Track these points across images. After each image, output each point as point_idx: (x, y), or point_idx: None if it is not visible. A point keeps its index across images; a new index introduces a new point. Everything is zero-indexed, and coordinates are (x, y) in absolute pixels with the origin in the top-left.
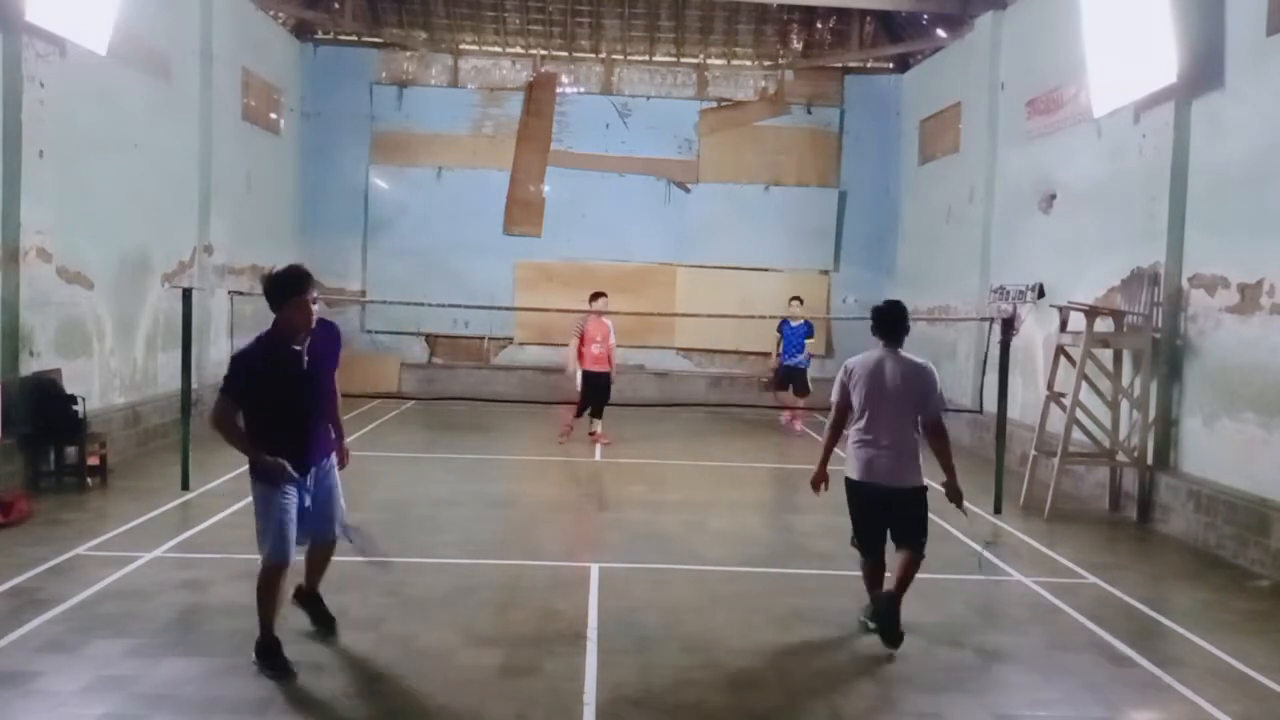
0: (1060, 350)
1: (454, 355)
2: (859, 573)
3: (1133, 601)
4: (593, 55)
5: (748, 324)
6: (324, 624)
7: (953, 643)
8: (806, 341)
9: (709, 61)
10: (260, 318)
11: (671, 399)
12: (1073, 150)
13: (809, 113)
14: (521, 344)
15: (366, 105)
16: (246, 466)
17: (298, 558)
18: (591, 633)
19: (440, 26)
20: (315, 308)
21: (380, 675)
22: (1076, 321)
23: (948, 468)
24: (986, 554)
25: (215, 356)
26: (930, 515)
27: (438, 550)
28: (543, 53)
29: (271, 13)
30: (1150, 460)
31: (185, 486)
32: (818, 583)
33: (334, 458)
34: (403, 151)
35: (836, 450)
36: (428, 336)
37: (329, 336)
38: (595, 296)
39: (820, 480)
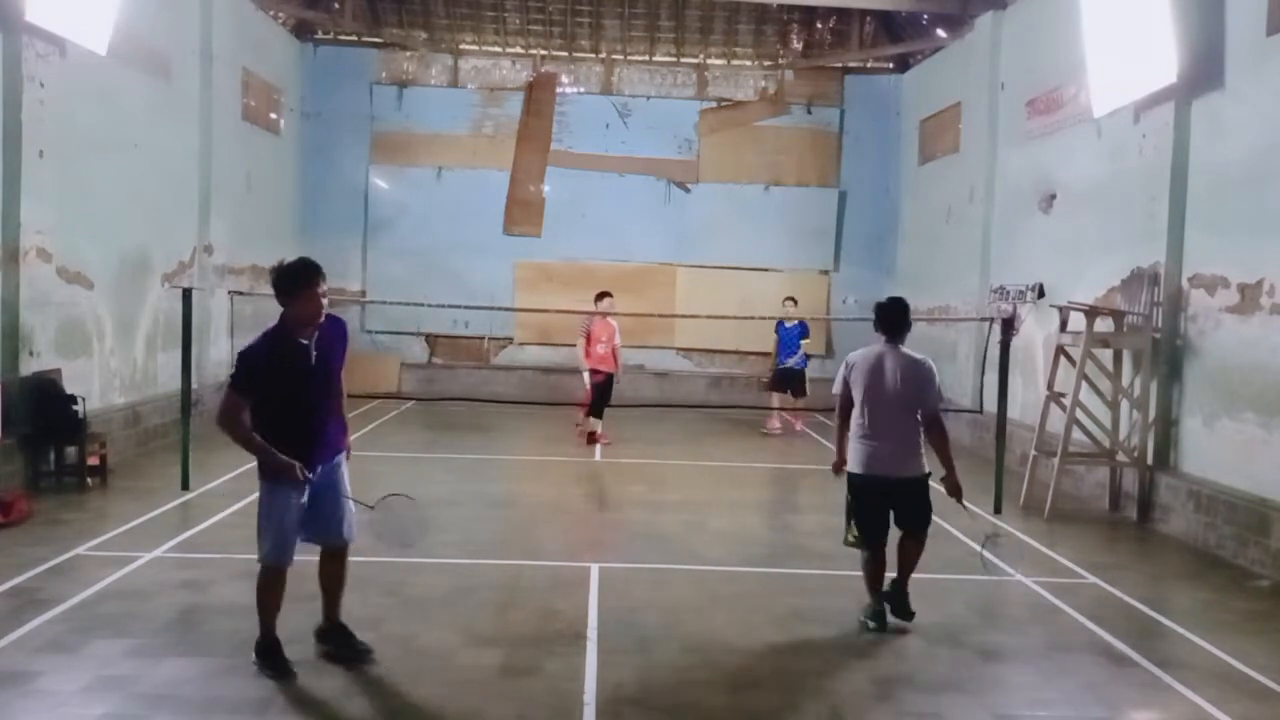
0: (1060, 350)
1: (454, 355)
2: (859, 572)
3: (1133, 601)
4: (593, 55)
5: (748, 324)
6: (358, 656)
7: (953, 643)
8: (802, 342)
9: (709, 61)
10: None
11: (671, 399)
12: (1073, 150)
13: (809, 113)
14: (521, 344)
15: (366, 105)
16: (254, 464)
17: (302, 560)
18: (591, 633)
19: (440, 26)
20: (325, 301)
21: (380, 675)
22: (1076, 321)
23: (946, 463)
24: (987, 553)
25: (215, 356)
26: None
27: (438, 550)
28: (543, 53)
29: (271, 13)
30: (1150, 460)
31: (185, 486)
32: (818, 583)
33: (343, 457)
34: (403, 151)
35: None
36: (428, 336)
37: (337, 332)
38: (600, 297)
39: (841, 465)
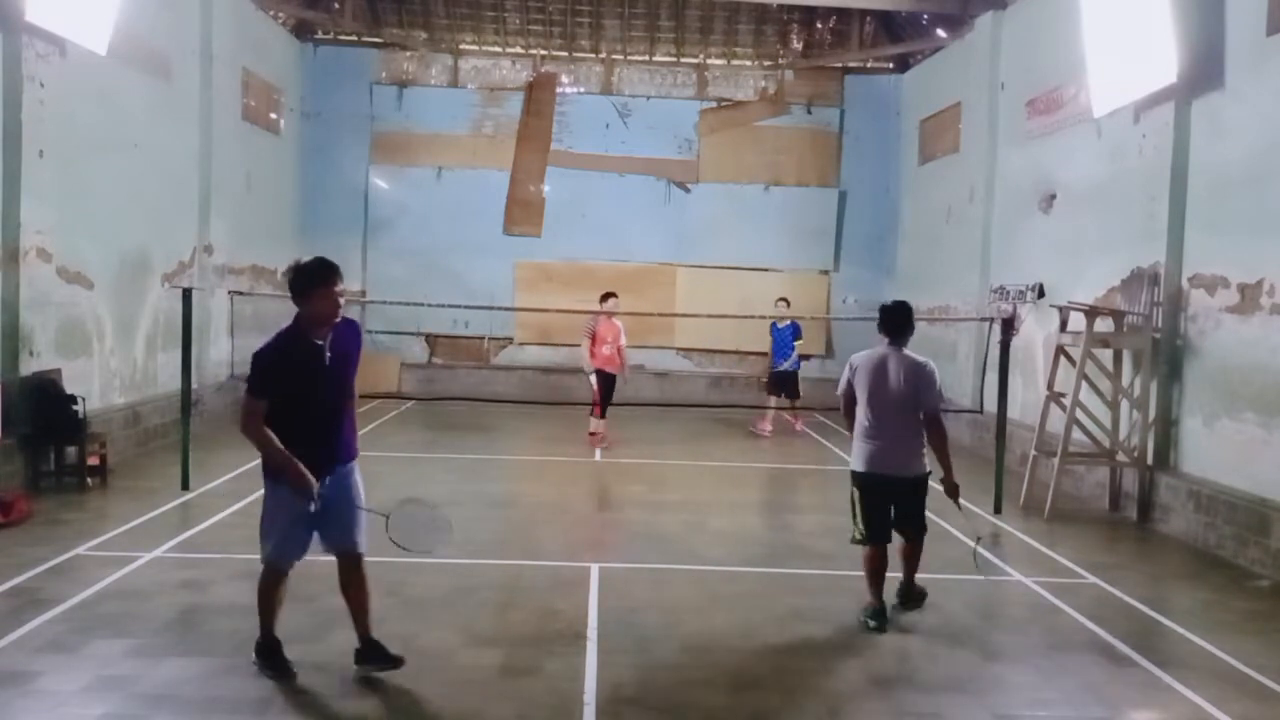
0: (1060, 350)
1: (454, 355)
2: (859, 572)
3: (1133, 601)
4: (593, 55)
5: (747, 324)
6: (392, 665)
7: (953, 643)
8: (795, 343)
9: (709, 61)
10: (260, 317)
11: (671, 399)
12: (1073, 150)
13: (809, 113)
14: (521, 344)
15: (366, 105)
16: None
17: (304, 558)
18: (591, 633)
19: (440, 26)
20: (341, 300)
21: (380, 675)
22: (1076, 321)
23: (945, 463)
24: (981, 549)
25: (215, 356)
26: (930, 515)
27: (438, 550)
28: (543, 53)
29: (271, 13)
30: (1150, 460)
31: (185, 486)
32: (818, 583)
33: (356, 464)
34: (403, 151)
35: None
36: (428, 336)
37: (351, 334)
38: (606, 297)
39: None
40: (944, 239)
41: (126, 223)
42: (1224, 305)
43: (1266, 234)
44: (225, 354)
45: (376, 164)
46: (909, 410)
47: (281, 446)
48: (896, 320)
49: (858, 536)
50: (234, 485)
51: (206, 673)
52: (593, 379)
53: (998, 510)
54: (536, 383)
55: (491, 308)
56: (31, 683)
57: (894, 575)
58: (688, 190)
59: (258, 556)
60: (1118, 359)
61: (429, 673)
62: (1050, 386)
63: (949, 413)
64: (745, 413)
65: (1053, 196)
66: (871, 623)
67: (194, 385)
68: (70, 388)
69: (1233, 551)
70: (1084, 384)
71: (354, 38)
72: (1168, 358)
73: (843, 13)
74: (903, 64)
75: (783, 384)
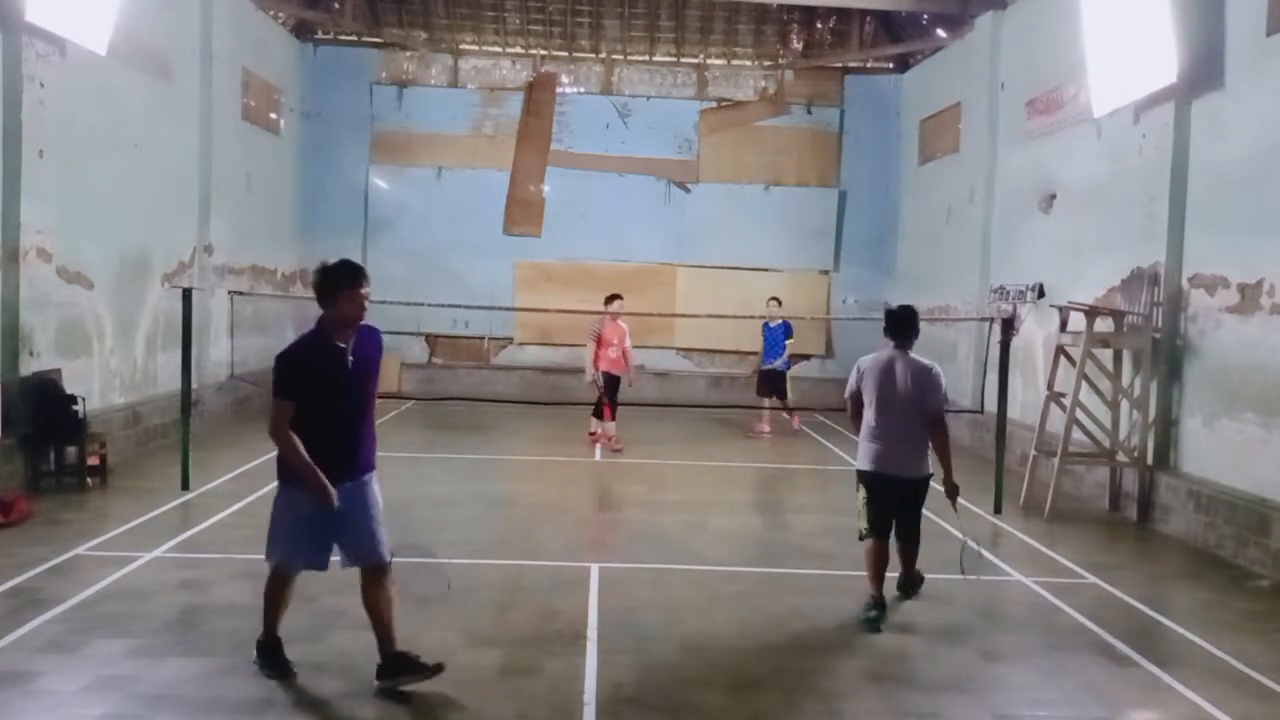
0: (1060, 350)
1: (454, 355)
2: (859, 572)
3: (1133, 601)
4: (593, 55)
5: (747, 324)
6: (430, 675)
7: (953, 643)
8: (786, 342)
9: (709, 61)
10: (260, 317)
11: (671, 399)
12: (1073, 150)
13: (809, 113)
14: (521, 344)
15: (366, 105)
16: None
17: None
18: (591, 633)
19: (440, 26)
20: (366, 303)
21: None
22: (1076, 321)
23: (946, 464)
24: (969, 547)
25: (215, 356)
26: (930, 515)
27: (438, 550)
28: (543, 53)
29: (271, 13)
30: (1150, 460)
31: (185, 486)
32: (818, 583)
33: (374, 475)
34: (403, 151)
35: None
36: (428, 336)
37: (373, 340)
38: (611, 299)
39: None
40: (944, 239)
41: (126, 223)
42: (1224, 305)
43: (1266, 234)
44: (225, 354)
45: (376, 164)
46: (915, 412)
47: (306, 454)
48: (901, 323)
49: (863, 532)
50: (234, 485)
51: (206, 673)
52: (599, 380)
53: (998, 510)
54: (536, 383)
55: (491, 308)
56: (31, 683)
57: (893, 575)
58: (688, 190)
59: (258, 556)
60: (1118, 359)
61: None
62: (1050, 386)
63: (949, 413)
64: (745, 413)
65: (1053, 196)
66: (872, 613)
67: (194, 385)
68: (70, 388)
69: (1233, 551)
70: (1084, 384)
71: (354, 38)
72: (1168, 358)
73: (843, 13)
74: (903, 64)
75: (771, 384)
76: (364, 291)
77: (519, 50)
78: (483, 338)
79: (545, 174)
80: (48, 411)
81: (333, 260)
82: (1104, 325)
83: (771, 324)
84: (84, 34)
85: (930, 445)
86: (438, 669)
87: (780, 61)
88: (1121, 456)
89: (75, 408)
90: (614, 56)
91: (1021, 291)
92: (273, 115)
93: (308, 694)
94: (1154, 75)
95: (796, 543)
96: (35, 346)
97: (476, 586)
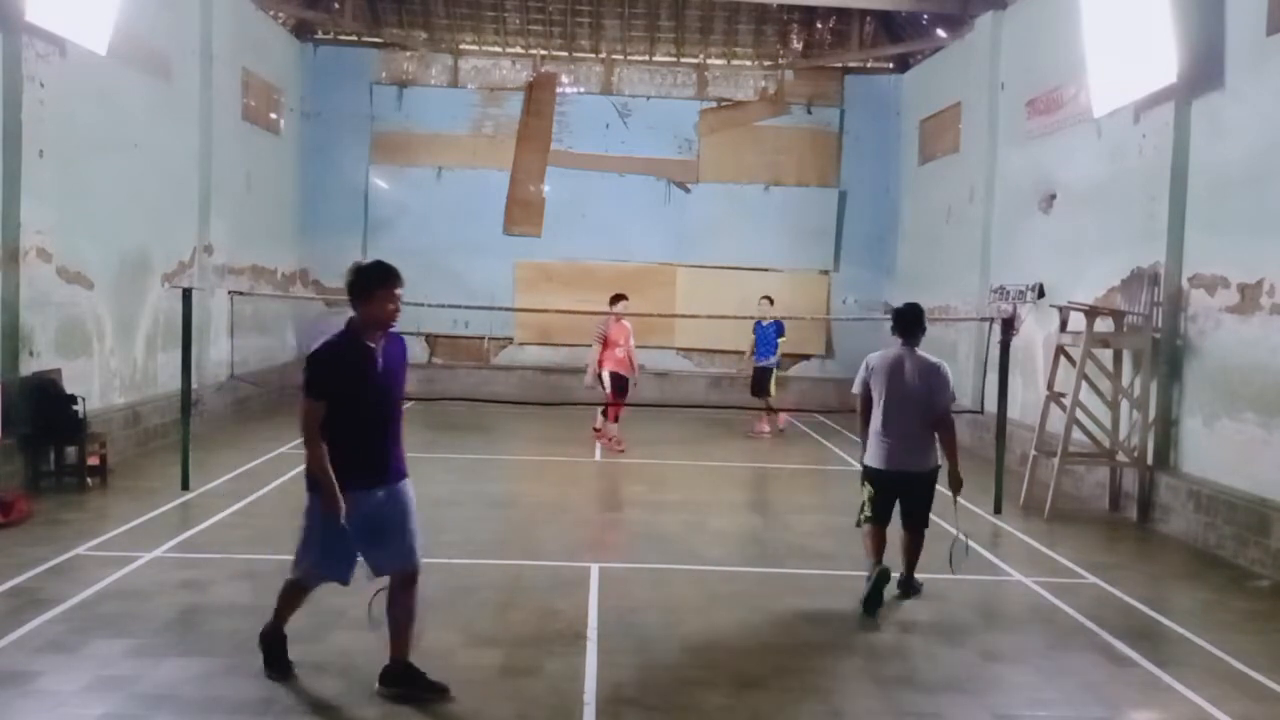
0: (1060, 350)
1: (454, 355)
2: (859, 572)
3: (1133, 601)
4: (593, 55)
5: (747, 324)
6: (437, 695)
7: (953, 643)
8: (779, 340)
9: (709, 61)
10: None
11: (671, 399)
12: (1073, 150)
13: (809, 113)
14: (521, 344)
15: (366, 105)
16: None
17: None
18: (591, 633)
19: (440, 26)
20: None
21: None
22: (1076, 321)
23: (951, 457)
24: (960, 542)
25: (215, 356)
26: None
27: (438, 550)
28: (543, 53)
29: (271, 13)
30: (1150, 460)
31: (185, 486)
32: (818, 583)
33: (408, 482)
34: (403, 151)
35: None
36: (428, 336)
37: (399, 348)
38: (617, 299)
39: None
40: (944, 239)
41: (126, 223)
42: (1224, 305)
43: (1266, 234)
44: (225, 354)
45: (376, 164)
46: (923, 408)
47: (327, 461)
48: (908, 321)
49: (863, 520)
50: (234, 485)
51: (206, 673)
52: (606, 379)
53: (998, 510)
54: (536, 383)
55: (491, 308)
56: (31, 683)
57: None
58: (688, 190)
59: (258, 556)
60: (1118, 359)
61: (429, 673)
62: (1050, 386)
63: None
64: (745, 413)
65: (1053, 196)
66: (874, 574)
67: (194, 385)
68: (70, 388)
69: (1233, 551)
70: (1084, 384)
71: (354, 38)
72: (1168, 358)
73: (843, 13)
74: (903, 64)
75: (757, 379)
76: (399, 293)
77: (519, 50)
78: (483, 338)
79: (545, 174)
80: (48, 411)
81: (367, 260)
82: (1104, 325)
83: (764, 323)
84: (84, 34)
85: (937, 440)
86: (442, 691)
87: (780, 61)
88: (1121, 456)
89: (75, 408)
90: (614, 56)
91: (1021, 291)
92: (273, 115)
93: (308, 694)
94: (1154, 75)
95: (796, 543)
96: (35, 346)
97: (476, 586)
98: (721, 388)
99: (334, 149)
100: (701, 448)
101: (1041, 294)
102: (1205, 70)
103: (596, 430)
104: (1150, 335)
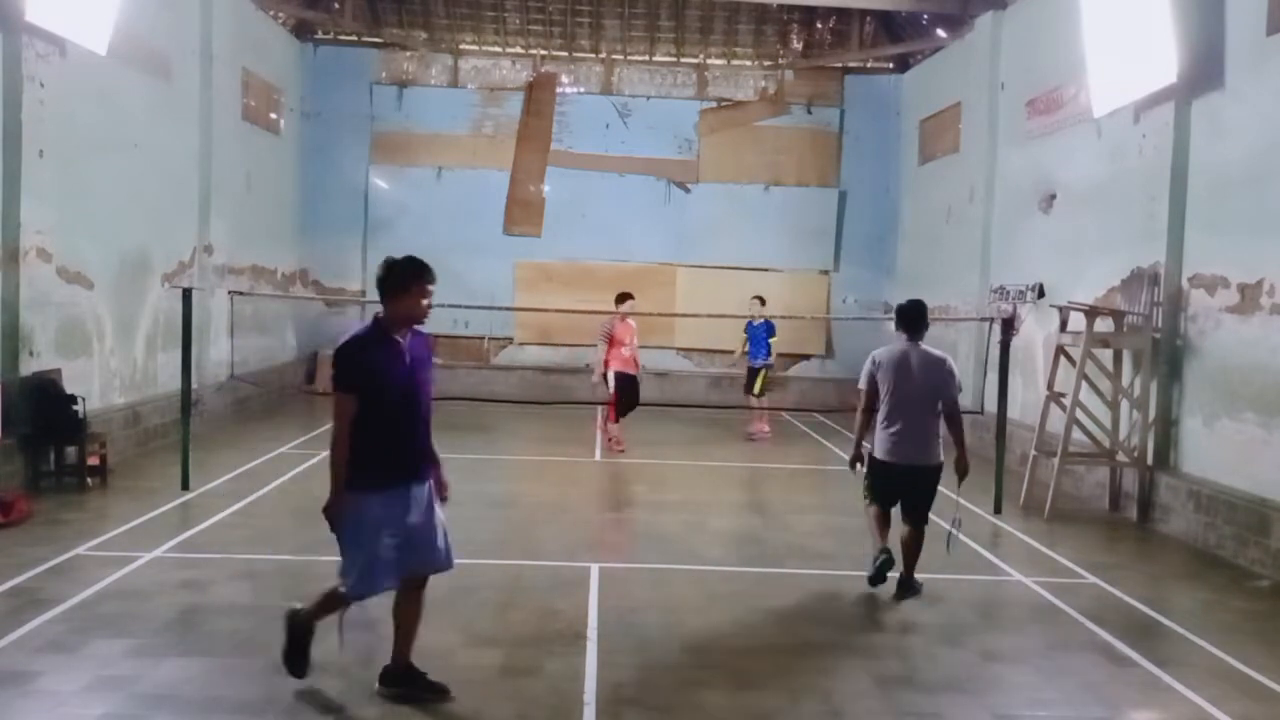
0: (1060, 350)
1: (454, 355)
2: (859, 572)
3: (1133, 601)
4: (593, 55)
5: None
6: (437, 696)
7: (953, 643)
8: (770, 340)
9: (709, 61)
10: (260, 317)
11: (671, 399)
12: (1073, 150)
13: (809, 113)
14: (521, 344)
15: (366, 105)
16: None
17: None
18: (591, 633)
19: (440, 26)
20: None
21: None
22: (1076, 321)
23: (959, 445)
24: (957, 531)
25: (215, 356)
26: (931, 515)
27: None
28: (543, 53)
29: (271, 13)
30: (1150, 460)
31: (185, 486)
32: (818, 583)
33: (431, 484)
34: (403, 151)
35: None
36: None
37: (424, 345)
38: (623, 298)
39: (857, 459)
40: (944, 239)
41: (126, 223)
42: (1224, 305)
43: (1266, 234)
44: (225, 354)
45: (376, 164)
46: (930, 402)
47: (345, 459)
48: (912, 317)
49: (867, 501)
50: (234, 485)
51: (206, 673)
52: (611, 379)
53: (998, 510)
54: (536, 383)
55: (491, 308)
56: (31, 683)
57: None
58: (688, 190)
59: (258, 556)
60: (1118, 359)
61: (429, 673)
62: (1050, 386)
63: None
64: (744, 413)
65: (1053, 196)
66: (881, 557)
67: (194, 385)
68: (70, 388)
69: (1233, 551)
70: (1084, 384)
71: (354, 38)
72: (1168, 358)
73: (843, 13)
74: (903, 64)
75: (749, 378)
76: (432, 288)
77: (519, 50)
78: (483, 338)
79: (545, 174)
80: (48, 411)
81: (399, 256)
82: (1104, 325)
83: (755, 323)
84: (84, 34)
85: (942, 432)
86: (442, 691)
87: (780, 61)
88: (1121, 456)
89: (75, 408)
90: (614, 56)
91: (1021, 291)
92: (273, 115)
93: (308, 694)
94: (1154, 75)
95: (796, 543)
96: (35, 346)
97: (476, 586)
98: (722, 388)
99: (334, 149)
100: (701, 448)
101: (1041, 294)
102: (1205, 70)
103: (608, 434)
104: (1150, 335)
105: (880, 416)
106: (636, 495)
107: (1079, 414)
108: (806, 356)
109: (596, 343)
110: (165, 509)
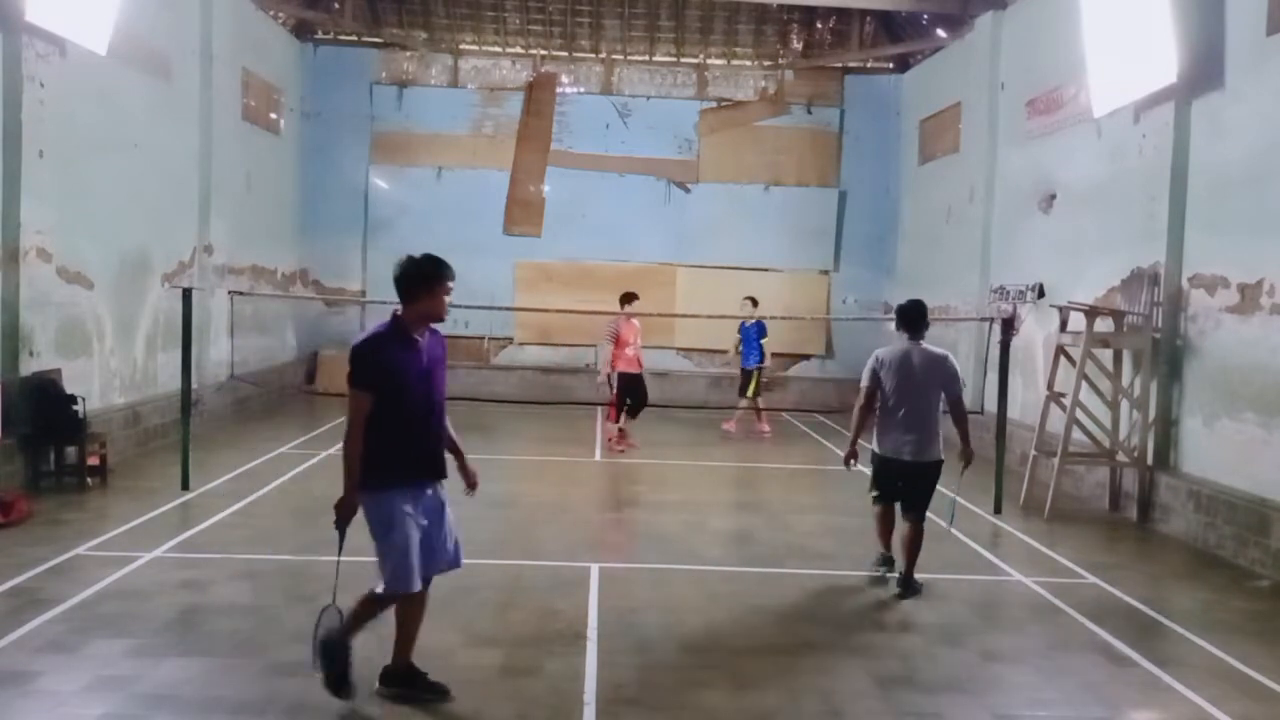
0: (1060, 350)
1: (454, 355)
2: (859, 572)
3: (1133, 601)
4: (593, 55)
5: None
6: (437, 696)
7: (953, 643)
8: (761, 341)
9: (709, 61)
10: (260, 317)
11: (671, 399)
12: (1073, 150)
13: (809, 113)
14: (521, 344)
15: (366, 105)
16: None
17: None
18: (591, 633)
19: (440, 26)
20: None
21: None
22: (1076, 321)
23: (964, 435)
24: (957, 499)
25: (215, 356)
26: (930, 515)
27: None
28: (543, 53)
29: (271, 13)
30: (1150, 460)
31: (185, 486)
32: (818, 583)
33: (444, 485)
34: (403, 151)
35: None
36: None
37: (439, 345)
38: (628, 299)
39: (852, 456)
40: (944, 239)
41: (126, 223)
42: (1224, 305)
43: (1266, 234)
44: (225, 354)
45: (376, 164)
46: (932, 399)
47: (359, 456)
48: (913, 316)
49: (873, 497)
50: (234, 485)
51: (206, 673)
52: (613, 381)
53: (998, 510)
54: (536, 383)
55: (491, 308)
56: (31, 683)
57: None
58: (688, 190)
59: (258, 556)
60: (1118, 359)
61: (429, 673)
62: (1050, 386)
63: (948, 413)
64: (744, 413)
65: (1053, 196)
66: (881, 568)
67: (194, 385)
68: (70, 388)
69: (1233, 551)
70: (1084, 384)
71: (354, 38)
72: (1168, 358)
73: (843, 13)
74: (903, 64)
75: (744, 384)
76: (451, 285)
77: (519, 50)
78: (483, 338)
79: (545, 174)
80: (48, 411)
81: (416, 255)
82: (1104, 325)
83: (747, 324)
84: (84, 34)
85: (942, 429)
86: (442, 691)
87: (780, 61)
88: (1121, 456)
89: (75, 408)
90: (614, 56)
91: (1021, 291)
92: (273, 115)
93: (308, 694)
94: (1154, 75)
95: (796, 543)
96: (35, 346)
97: (476, 586)
98: (722, 388)
99: (334, 149)
100: (701, 448)
101: (1041, 294)
102: (1205, 70)
103: (621, 432)
104: (1150, 335)
105: (883, 414)
106: (636, 495)
107: (1079, 414)
108: (806, 356)
109: (603, 343)
110: (165, 509)
